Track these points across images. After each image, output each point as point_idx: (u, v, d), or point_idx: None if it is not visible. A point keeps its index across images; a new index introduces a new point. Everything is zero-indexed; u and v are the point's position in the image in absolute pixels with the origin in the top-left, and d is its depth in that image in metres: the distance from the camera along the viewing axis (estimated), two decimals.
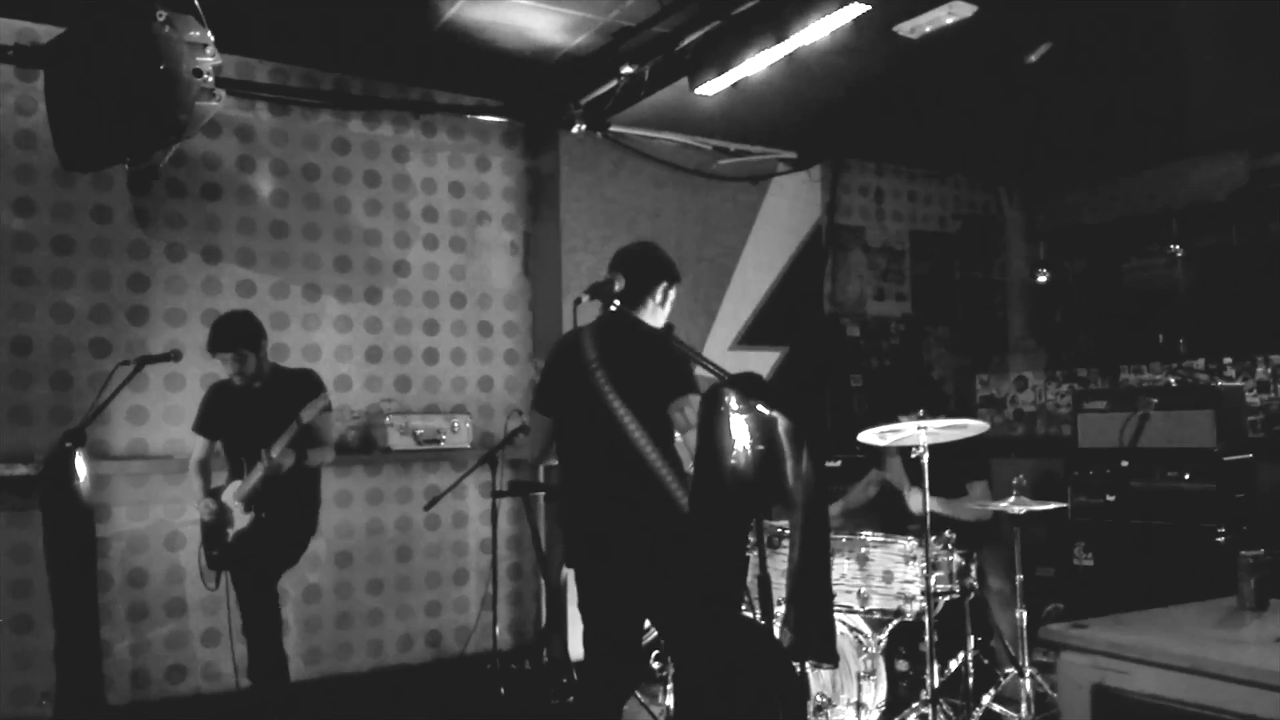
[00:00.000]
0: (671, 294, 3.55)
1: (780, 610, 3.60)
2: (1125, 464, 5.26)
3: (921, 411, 4.43)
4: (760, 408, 2.88)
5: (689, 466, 3.17)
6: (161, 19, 3.49)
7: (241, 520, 4.36)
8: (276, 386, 4.48)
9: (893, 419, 4.86)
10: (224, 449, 4.56)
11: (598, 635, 3.44)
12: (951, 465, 4.64)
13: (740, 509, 3.14)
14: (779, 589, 4.06)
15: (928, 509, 4.27)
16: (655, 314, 3.52)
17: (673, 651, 3.57)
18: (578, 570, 3.47)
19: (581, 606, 3.47)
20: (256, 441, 4.28)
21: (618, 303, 3.35)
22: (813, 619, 2.97)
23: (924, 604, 4.22)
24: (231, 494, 4.40)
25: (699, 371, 3.22)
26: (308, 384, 4.49)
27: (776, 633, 3.14)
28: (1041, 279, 7.95)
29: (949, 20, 4.71)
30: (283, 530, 4.41)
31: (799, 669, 3.38)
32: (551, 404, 3.52)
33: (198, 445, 4.59)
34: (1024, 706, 4.31)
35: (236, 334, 4.40)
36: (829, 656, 3.17)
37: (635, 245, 3.68)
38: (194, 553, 5.21)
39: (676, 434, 3.33)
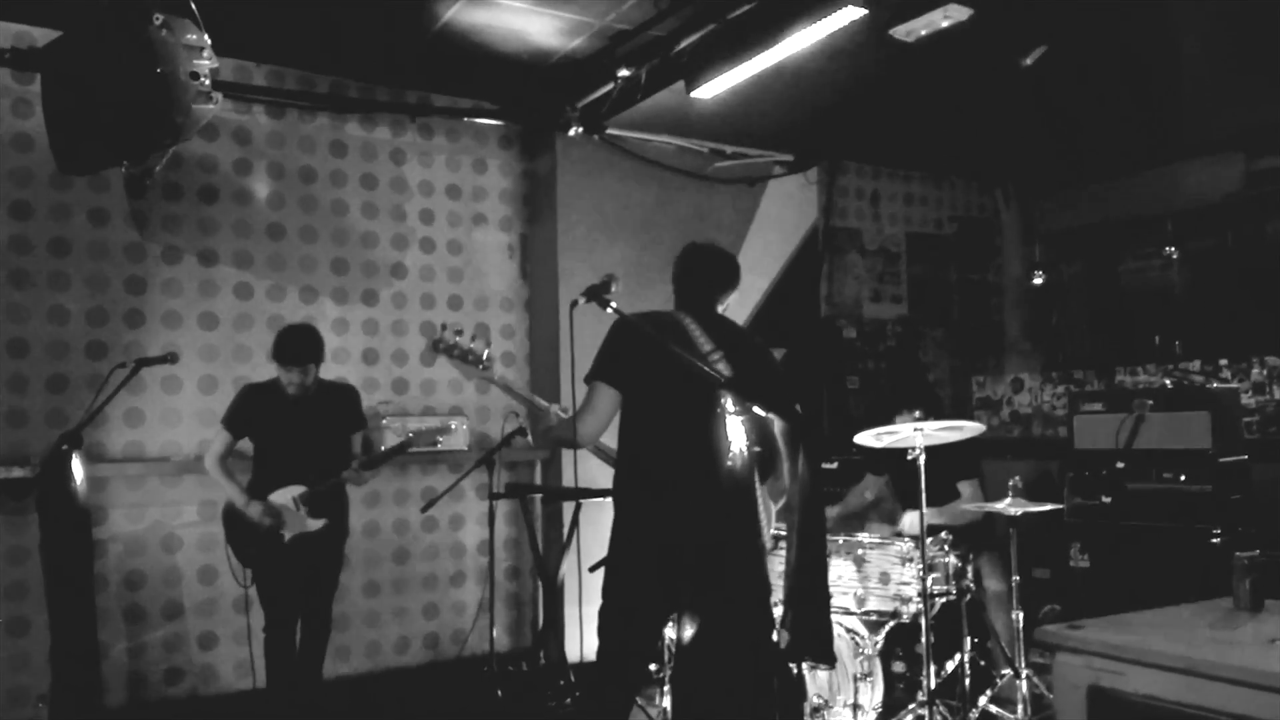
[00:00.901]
0: (728, 302, 3.61)
1: (778, 611, 3.60)
2: (1121, 465, 5.26)
3: (918, 413, 4.43)
4: (756, 410, 2.89)
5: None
6: (158, 22, 3.50)
7: (311, 524, 4.53)
8: (324, 399, 4.63)
9: (889, 420, 4.87)
10: (262, 453, 4.62)
11: (638, 632, 3.31)
12: (941, 467, 4.63)
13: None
14: (776, 590, 4.07)
15: (930, 522, 4.28)
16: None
17: (694, 656, 3.48)
18: (638, 562, 3.25)
19: (628, 601, 3.26)
20: (304, 450, 4.51)
21: (706, 301, 3.36)
22: (810, 620, 2.98)
23: (920, 605, 4.23)
24: (290, 497, 4.51)
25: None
26: (353, 405, 4.74)
27: (774, 634, 3.15)
28: (1037, 281, 7.96)
29: (944, 23, 4.72)
30: (339, 536, 4.72)
31: (796, 670, 3.37)
32: (627, 379, 3.27)
33: (221, 441, 4.56)
34: (1020, 708, 4.32)
35: (311, 349, 4.51)
36: (826, 657, 3.18)
37: (704, 246, 3.61)
38: (191, 555, 5.25)
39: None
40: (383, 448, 4.79)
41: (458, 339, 3.36)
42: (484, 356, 3.38)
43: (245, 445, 4.65)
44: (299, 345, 4.47)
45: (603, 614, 3.32)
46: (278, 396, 4.53)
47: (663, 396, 3.28)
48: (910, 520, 4.75)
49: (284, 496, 4.51)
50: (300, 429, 4.52)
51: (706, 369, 3.11)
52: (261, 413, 4.58)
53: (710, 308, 3.47)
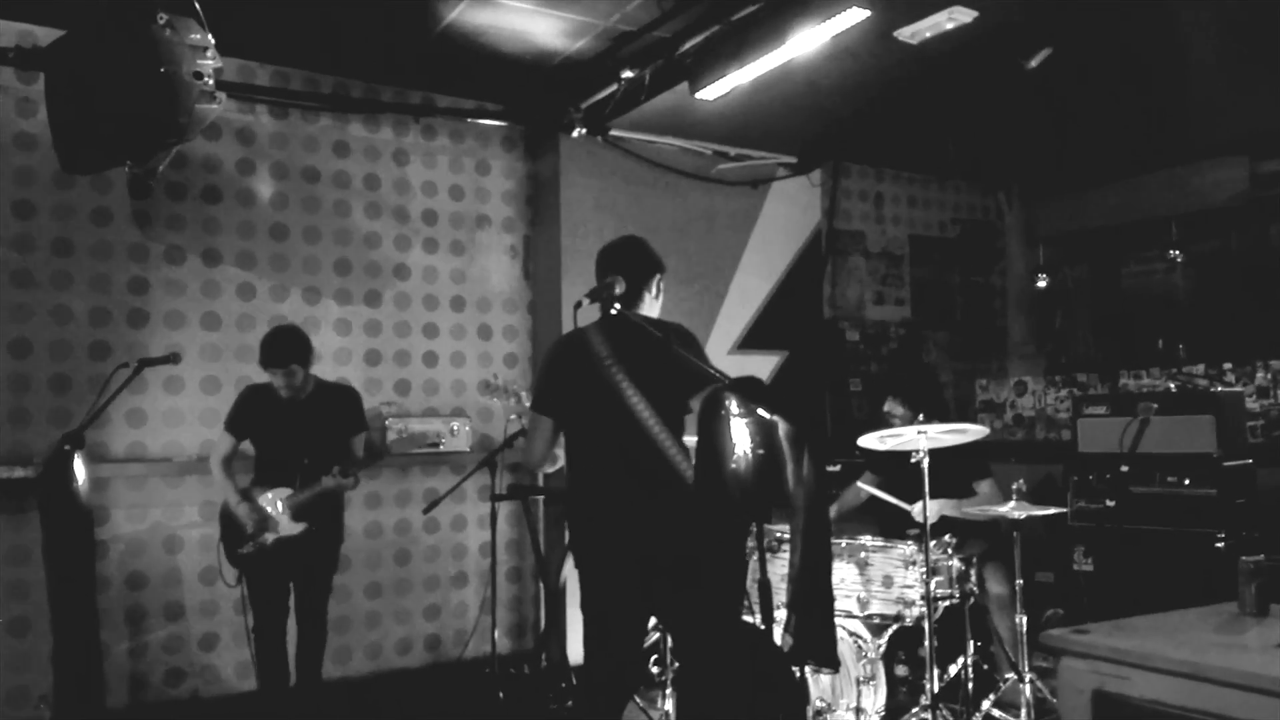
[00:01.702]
0: (662, 285, 3.56)
1: (780, 615, 3.59)
2: (1125, 469, 5.25)
3: (919, 415, 4.43)
4: (761, 412, 2.88)
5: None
6: (162, 22, 3.49)
7: (290, 528, 4.47)
8: (321, 401, 4.62)
9: (878, 408, 4.88)
10: (260, 455, 4.63)
11: (613, 638, 3.36)
12: (956, 466, 4.64)
13: (743, 510, 3.14)
14: (779, 594, 4.06)
15: (939, 512, 4.27)
16: (652, 307, 3.52)
17: (684, 656, 3.52)
18: (596, 572, 3.36)
19: (598, 610, 3.36)
20: (300, 452, 4.48)
21: (618, 305, 3.31)
22: (814, 623, 2.97)
23: (924, 609, 4.22)
24: (276, 500, 4.49)
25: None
26: (353, 407, 4.70)
27: (777, 637, 3.14)
28: (1041, 284, 7.96)
29: (949, 26, 4.72)
30: (330, 539, 4.64)
31: (798, 674, 3.36)
32: (555, 405, 3.46)
33: (225, 443, 4.61)
34: (1024, 712, 4.31)
35: (293, 350, 4.48)
36: (830, 661, 3.16)
37: (622, 242, 3.61)
38: (193, 556, 5.24)
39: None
40: (359, 454, 4.70)
41: (503, 382, 4.29)
42: (520, 392, 4.11)
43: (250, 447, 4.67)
44: (276, 348, 4.47)
45: (582, 620, 3.41)
46: (274, 398, 4.55)
47: (574, 412, 3.41)
48: (919, 509, 4.77)
49: (269, 499, 4.51)
50: (295, 430, 4.52)
51: (603, 377, 3.28)
52: (259, 414, 4.59)
53: (626, 310, 3.35)
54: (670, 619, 3.47)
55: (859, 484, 5.13)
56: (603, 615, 3.37)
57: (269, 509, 4.49)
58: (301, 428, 4.53)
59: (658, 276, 3.53)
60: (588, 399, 3.35)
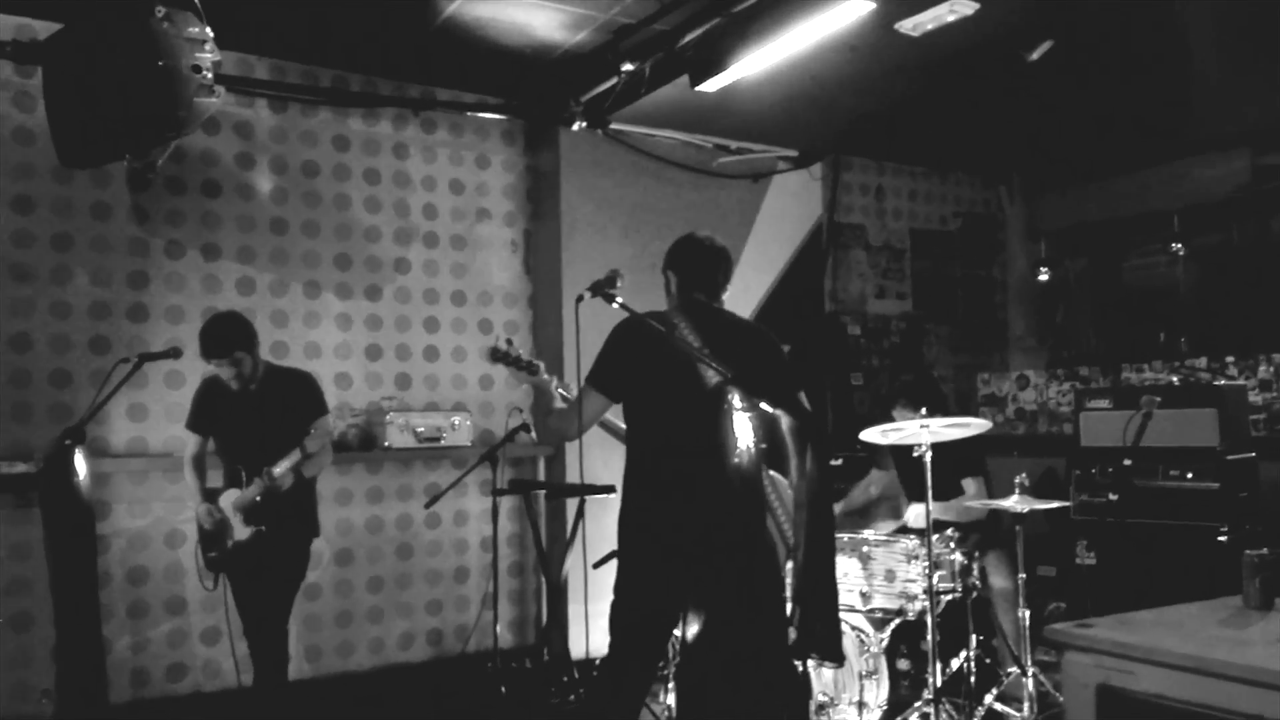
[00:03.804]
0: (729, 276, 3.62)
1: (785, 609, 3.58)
2: (1128, 463, 5.24)
3: (923, 410, 4.42)
4: (764, 406, 2.87)
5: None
6: (160, 15, 3.48)
7: (242, 532, 4.26)
8: (272, 389, 4.36)
9: (888, 415, 4.87)
10: (218, 450, 4.47)
11: (656, 628, 3.30)
12: (945, 464, 4.61)
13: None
14: (785, 586, 4.05)
15: (931, 516, 4.25)
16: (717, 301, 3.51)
17: (701, 650, 3.45)
18: (652, 559, 3.25)
19: (648, 596, 3.26)
20: (252, 446, 4.22)
21: (703, 296, 3.34)
22: (818, 618, 2.97)
23: (926, 603, 4.21)
24: (229, 502, 4.30)
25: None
26: (307, 392, 4.42)
27: (785, 630, 3.13)
28: (1043, 277, 7.94)
29: (951, 18, 4.70)
30: (285, 541, 4.32)
31: (801, 668, 3.36)
32: (627, 386, 3.33)
33: (191, 441, 4.47)
34: (1026, 706, 4.31)
35: (231, 339, 4.21)
36: (834, 655, 3.17)
37: (700, 239, 3.57)
38: (194, 551, 5.22)
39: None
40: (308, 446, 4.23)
41: (511, 348, 3.66)
42: (536, 363, 3.67)
43: None
44: (210, 338, 4.20)
45: (614, 610, 3.31)
46: (226, 390, 4.34)
47: (662, 400, 3.30)
48: (915, 513, 4.74)
49: (227, 501, 4.31)
50: (247, 424, 4.29)
51: (704, 368, 3.15)
52: (211, 407, 4.40)
53: (703, 304, 3.41)
54: (707, 613, 3.36)
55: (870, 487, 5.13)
56: (641, 605, 3.26)
57: (229, 512, 4.29)
58: (254, 417, 4.28)
59: (727, 285, 3.56)
60: (671, 385, 3.27)
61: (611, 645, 3.31)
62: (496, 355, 3.65)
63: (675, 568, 3.23)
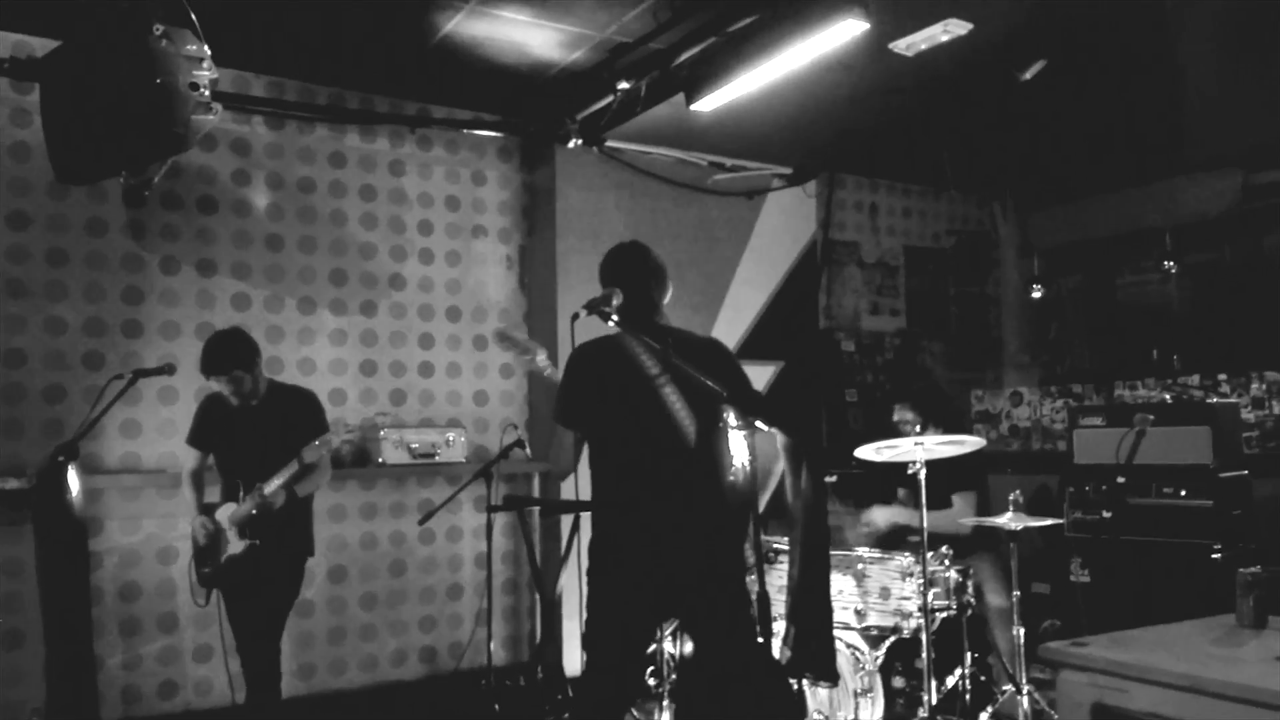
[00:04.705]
0: (667, 289, 3.46)
1: (778, 627, 3.58)
2: (1121, 480, 5.25)
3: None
4: (759, 424, 2.88)
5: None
6: (158, 33, 3.49)
7: (236, 545, 4.27)
8: (274, 406, 4.39)
9: (887, 415, 4.89)
10: (217, 466, 4.49)
11: (627, 650, 3.27)
12: (939, 478, 4.60)
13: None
14: (777, 605, 4.05)
15: (891, 520, 4.28)
16: (664, 317, 3.40)
17: (697, 668, 3.42)
18: (619, 582, 3.21)
19: (615, 620, 3.22)
20: (251, 462, 4.24)
21: (635, 314, 3.20)
22: (813, 636, 2.96)
23: (921, 620, 4.21)
24: (226, 516, 4.31)
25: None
26: (309, 411, 4.43)
27: (775, 650, 3.13)
28: (1036, 294, 7.96)
29: (944, 38, 4.74)
30: (279, 557, 4.31)
31: (796, 687, 3.35)
32: (584, 418, 3.29)
33: (190, 457, 4.49)
34: None
35: (232, 356, 4.24)
36: (828, 675, 3.16)
37: (625, 251, 3.48)
38: (185, 568, 5.21)
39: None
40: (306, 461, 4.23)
41: (523, 337, 4.20)
42: (531, 345, 3.90)
43: None
44: (212, 355, 4.23)
45: (586, 629, 3.30)
46: (227, 406, 4.37)
47: (617, 429, 3.25)
48: (877, 515, 4.80)
49: (224, 515, 4.32)
50: (247, 440, 4.32)
51: (650, 390, 3.14)
52: (212, 423, 4.43)
53: (650, 321, 3.30)
54: (691, 632, 3.33)
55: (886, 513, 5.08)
56: (621, 626, 3.22)
57: (224, 526, 4.30)
58: (254, 435, 4.30)
59: (669, 285, 3.43)
60: (626, 410, 3.21)
61: (585, 664, 3.31)
62: (502, 340, 4.10)
63: (643, 588, 3.19)
